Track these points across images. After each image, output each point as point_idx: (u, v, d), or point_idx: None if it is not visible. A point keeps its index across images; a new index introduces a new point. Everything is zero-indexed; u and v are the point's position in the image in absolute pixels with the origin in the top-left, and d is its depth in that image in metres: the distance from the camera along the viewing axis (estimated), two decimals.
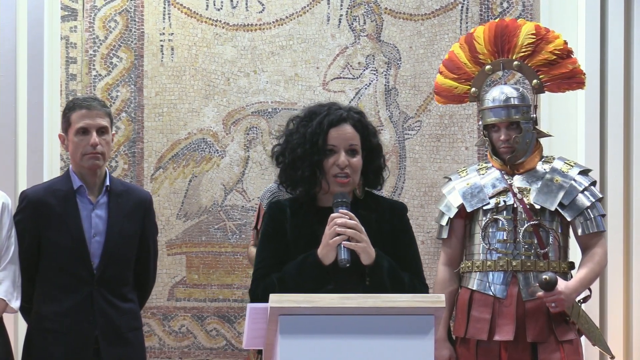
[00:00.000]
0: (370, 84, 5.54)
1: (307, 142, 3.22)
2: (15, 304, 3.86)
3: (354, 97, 5.52)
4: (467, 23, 5.53)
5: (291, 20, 5.55)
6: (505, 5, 5.53)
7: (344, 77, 5.55)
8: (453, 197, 4.24)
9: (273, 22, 5.54)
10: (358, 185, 3.31)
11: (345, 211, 3.16)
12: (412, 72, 5.54)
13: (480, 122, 4.27)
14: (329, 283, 3.13)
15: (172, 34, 5.53)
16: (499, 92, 4.20)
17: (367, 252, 3.14)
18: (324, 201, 3.28)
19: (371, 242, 3.19)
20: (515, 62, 4.26)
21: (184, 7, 5.53)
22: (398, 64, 5.54)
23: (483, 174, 4.24)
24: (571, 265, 4.19)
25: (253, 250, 4.57)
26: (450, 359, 4.17)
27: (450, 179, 4.33)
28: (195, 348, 5.50)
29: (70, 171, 3.99)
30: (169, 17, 5.53)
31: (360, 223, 3.17)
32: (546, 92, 4.30)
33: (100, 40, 5.50)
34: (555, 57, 4.22)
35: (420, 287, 3.28)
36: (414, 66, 5.54)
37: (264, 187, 4.82)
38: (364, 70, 5.55)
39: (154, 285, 4.29)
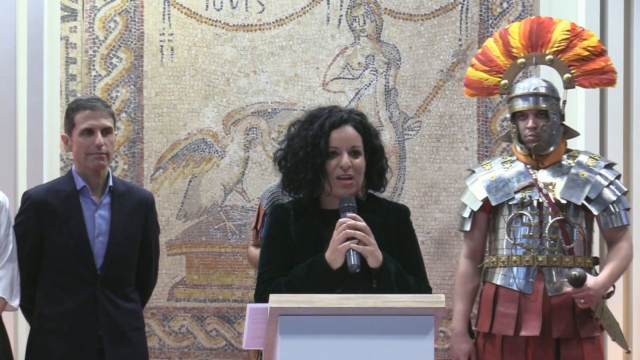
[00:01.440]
0: (370, 84, 5.54)
1: (308, 145, 3.21)
2: (15, 302, 3.86)
3: (354, 98, 5.53)
4: (467, 23, 5.53)
5: (291, 20, 5.55)
6: (505, 5, 5.53)
7: (343, 78, 5.55)
8: (477, 190, 4.24)
9: (273, 22, 5.55)
10: (361, 188, 3.30)
11: (354, 215, 3.15)
12: (412, 72, 5.54)
13: (507, 115, 4.26)
14: (337, 287, 3.13)
15: (172, 34, 5.53)
16: (529, 82, 4.24)
17: (375, 255, 3.13)
18: (328, 203, 3.27)
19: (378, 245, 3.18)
20: (548, 57, 4.29)
21: (184, 7, 5.53)
22: (398, 64, 5.54)
23: (507, 167, 4.24)
24: (595, 261, 4.21)
25: (253, 251, 4.58)
26: (470, 352, 4.16)
27: (473, 172, 4.33)
28: (195, 348, 5.50)
29: (73, 172, 3.99)
30: (169, 17, 5.53)
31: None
32: (576, 87, 4.32)
33: (100, 41, 5.50)
34: (588, 53, 4.26)
35: (425, 289, 3.29)
36: (413, 66, 5.54)
37: (264, 187, 4.82)
38: (364, 70, 5.55)
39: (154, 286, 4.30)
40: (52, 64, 5.45)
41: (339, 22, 5.56)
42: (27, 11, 5.35)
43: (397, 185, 5.50)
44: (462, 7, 5.54)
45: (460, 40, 5.53)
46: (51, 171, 5.36)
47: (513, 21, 5.52)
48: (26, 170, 5.32)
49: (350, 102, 5.48)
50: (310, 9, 5.55)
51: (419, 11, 5.55)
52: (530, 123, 4.15)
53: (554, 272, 4.08)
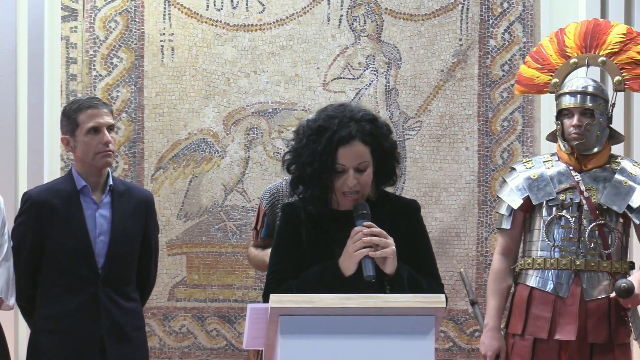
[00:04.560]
0: (370, 84, 5.54)
1: (315, 161, 3.15)
2: (11, 301, 3.86)
3: (354, 98, 5.53)
4: (467, 23, 5.53)
5: (291, 20, 5.55)
6: (505, 5, 5.53)
7: (344, 78, 5.55)
8: (518, 187, 4.20)
9: (273, 22, 5.55)
10: (371, 187, 3.28)
11: (369, 223, 3.13)
12: (413, 72, 5.54)
13: (554, 114, 4.23)
14: (349, 294, 3.12)
15: (173, 34, 5.53)
16: (578, 81, 4.20)
17: (393, 261, 3.12)
18: (338, 205, 3.25)
19: None
20: (601, 58, 4.25)
21: (184, 7, 5.53)
22: (398, 64, 5.54)
23: (549, 167, 4.21)
24: (632, 265, 4.17)
25: (253, 251, 4.57)
26: (499, 350, 4.15)
27: (514, 169, 4.29)
28: (196, 348, 5.50)
29: (73, 171, 3.99)
30: (169, 17, 5.53)
31: (377, 225, 3.15)
32: (626, 90, 4.30)
33: (101, 41, 5.50)
34: None
35: (438, 287, 3.26)
36: (414, 66, 5.54)
37: (264, 187, 4.81)
38: (364, 70, 5.55)
39: (154, 286, 4.29)
40: (53, 64, 5.45)
41: (340, 22, 5.56)
42: (27, 11, 5.35)
43: (398, 185, 5.50)
44: (462, 7, 5.54)
45: (460, 40, 5.53)
46: (51, 171, 5.36)
47: (513, 21, 5.53)
48: (27, 170, 5.32)
49: (350, 102, 5.48)
50: (310, 9, 5.55)
51: (419, 11, 5.55)
52: (575, 121, 4.10)
53: (594, 277, 4.05)
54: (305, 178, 3.18)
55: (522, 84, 4.39)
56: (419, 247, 3.28)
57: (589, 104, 4.12)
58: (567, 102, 4.16)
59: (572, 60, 4.28)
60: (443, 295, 2.94)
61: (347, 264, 3.11)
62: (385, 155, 3.24)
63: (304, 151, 3.19)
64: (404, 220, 3.26)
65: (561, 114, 4.18)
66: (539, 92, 4.43)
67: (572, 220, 4.08)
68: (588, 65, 4.28)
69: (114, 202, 3.97)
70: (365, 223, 3.12)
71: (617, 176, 4.15)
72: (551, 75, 4.29)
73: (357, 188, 3.17)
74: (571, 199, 4.10)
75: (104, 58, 5.50)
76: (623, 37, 4.26)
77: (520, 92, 4.45)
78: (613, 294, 3.96)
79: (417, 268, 3.22)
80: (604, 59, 4.25)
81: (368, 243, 3.09)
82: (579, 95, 4.14)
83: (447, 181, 5.52)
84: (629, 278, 4.03)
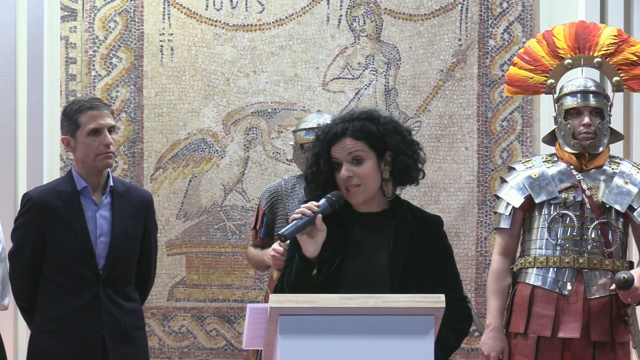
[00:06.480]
0: (370, 84, 5.55)
1: (313, 165, 3.24)
2: (5, 300, 3.87)
3: (353, 98, 5.53)
4: (466, 23, 5.53)
5: (291, 20, 5.55)
6: (505, 5, 5.53)
7: (343, 78, 5.55)
8: (519, 186, 4.21)
9: (273, 22, 5.55)
10: (387, 186, 3.29)
11: (313, 202, 3.17)
12: (412, 72, 5.54)
13: (555, 113, 4.22)
14: (313, 279, 3.15)
15: (172, 34, 5.53)
16: (584, 80, 4.22)
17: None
18: (360, 206, 3.27)
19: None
20: (597, 59, 4.27)
21: (184, 7, 5.54)
22: (398, 64, 5.54)
23: (549, 167, 4.23)
24: (631, 265, 4.19)
25: (252, 251, 4.58)
26: (502, 350, 4.16)
27: (513, 168, 4.30)
28: (195, 348, 5.51)
29: (73, 172, 3.98)
30: (169, 17, 5.53)
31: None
32: (625, 90, 4.32)
33: (100, 41, 5.50)
34: (636, 58, 4.24)
35: (462, 314, 3.30)
36: (413, 66, 5.54)
37: (264, 187, 4.82)
38: (364, 70, 5.55)
39: (154, 286, 4.29)
40: (52, 64, 5.45)
41: (339, 22, 5.56)
42: (27, 11, 5.35)
43: None
44: (462, 7, 5.54)
45: (460, 40, 5.53)
46: (51, 171, 5.36)
47: (513, 21, 5.53)
48: (26, 170, 5.32)
49: (350, 102, 5.49)
50: (310, 9, 5.55)
51: (418, 11, 5.55)
52: (586, 120, 4.12)
53: (597, 275, 4.07)
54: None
55: (514, 85, 4.39)
56: (442, 265, 3.30)
57: (593, 102, 4.14)
58: (574, 101, 4.16)
59: (566, 61, 4.29)
60: (442, 295, 2.94)
61: (304, 244, 3.15)
62: (395, 152, 3.25)
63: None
64: (425, 235, 3.29)
65: (568, 113, 4.19)
66: (534, 93, 4.43)
67: (575, 218, 4.09)
68: (583, 66, 4.30)
69: (114, 203, 3.97)
70: (315, 203, 3.16)
71: (617, 177, 4.17)
72: (546, 76, 4.30)
73: (356, 181, 3.19)
74: (574, 197, 4.11)
75: (104, 58, 5.50)
76: (615, 39, 4.27)
77: (512, 93, 4.46)
78: (613, 286, 3.97)
79: (440, 289, 3.21)
80: (600, 60, 4.26)
81: (301, 211, 3.12)
82: (581, 94, 4.16)
83: (447, 181, 5.52)
84: (630, 271, 4.04)
